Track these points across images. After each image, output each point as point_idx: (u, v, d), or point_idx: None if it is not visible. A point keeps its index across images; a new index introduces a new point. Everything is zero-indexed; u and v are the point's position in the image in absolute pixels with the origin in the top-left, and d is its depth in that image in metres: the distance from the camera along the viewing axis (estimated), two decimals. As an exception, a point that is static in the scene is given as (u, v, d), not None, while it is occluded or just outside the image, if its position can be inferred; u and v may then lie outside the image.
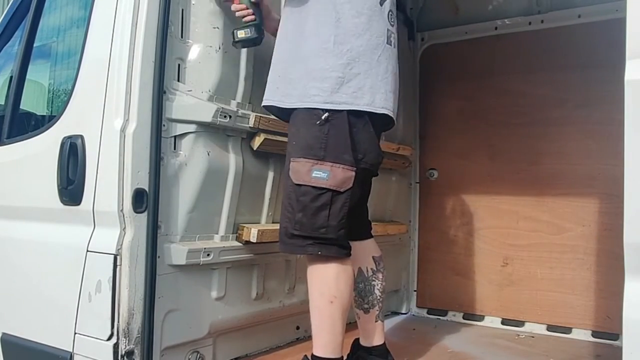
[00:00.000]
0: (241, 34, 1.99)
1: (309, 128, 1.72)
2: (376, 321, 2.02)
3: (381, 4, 1.81)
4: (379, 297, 2.02)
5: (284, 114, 1.83)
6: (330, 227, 1.71)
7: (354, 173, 1.73)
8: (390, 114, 1.83)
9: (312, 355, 1.77)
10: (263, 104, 1.86)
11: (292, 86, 1.75)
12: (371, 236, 2.09)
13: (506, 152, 3.02)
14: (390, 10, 1.86)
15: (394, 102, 1.85)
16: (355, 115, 1.74)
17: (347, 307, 1.77)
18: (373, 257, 2.04)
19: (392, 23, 1.86)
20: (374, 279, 2.02)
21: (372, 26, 1.77)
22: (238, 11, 1.98)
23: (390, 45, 1.84)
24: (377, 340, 2.02)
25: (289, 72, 1.76)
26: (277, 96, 1.79)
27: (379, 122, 1.82)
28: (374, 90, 1.75)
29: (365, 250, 2.01)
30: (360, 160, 1.76)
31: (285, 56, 1.78)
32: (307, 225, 1.71)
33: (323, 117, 1.70)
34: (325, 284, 1.74)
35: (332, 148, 1.70)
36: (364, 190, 1.95)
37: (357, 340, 2.06)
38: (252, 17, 1.98)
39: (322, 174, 1.69)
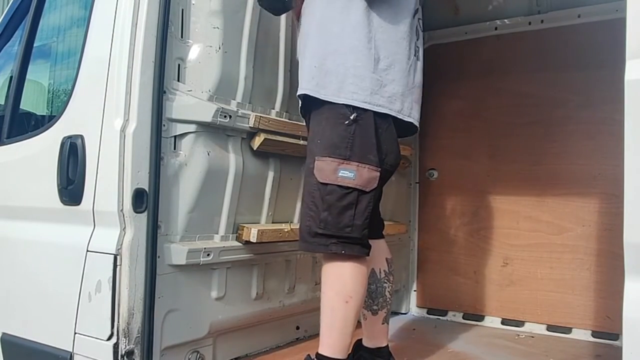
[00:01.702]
0: None
1: (335, 127, 1.72)
2: (383, 323, 2.01)
3: (413, 17, 1.84)
4: (388, 300, 2.01)
5: (312, 106, 1.81)
6: (355, 226, 1.72)
7: (379, 173, 1.75)
8: (416, 122, 1.87)
9: (318, 354, 1.76)
10: (298, 92, 1.81)
11: (328, 79, 1.73)
12: (383, 236, 2.09)
13: (506, 152, 3.02)
14: (417, 24, 1.88)
15: (418, 112, 1.88)
16: (380, 117, 1.76)
17: (360, 307, 1.78)
18: (386, 259, 2.03)
19: (418, 37, 1.89)
20: (385, 280, 2.01)
21: (407, 37, 1.80)
22: None
23: (417, 58, 1.87)
24: (382, 342, 2.01)
25: (327, 65, 1.73)
26: (311, 85, 1.76)
27: (400, 127, 1.85)
28: (404, 98, 1.79)
29: (379, 250, 2.00)
30: (383, 161, 1.78)
31: (323, 49, 1.75)
32: (332, 224, 1.71)
33: (352, 117, 1.70)
34: (342, 283, 1.74)
35: (358, 148, 1.71)
36: (382, 190, 1.96)
37: (359, 341, 2.06)
38: None
39: (349, 174, 1.70)
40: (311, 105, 1.80)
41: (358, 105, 1.71)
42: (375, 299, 1.99)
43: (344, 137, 1.71)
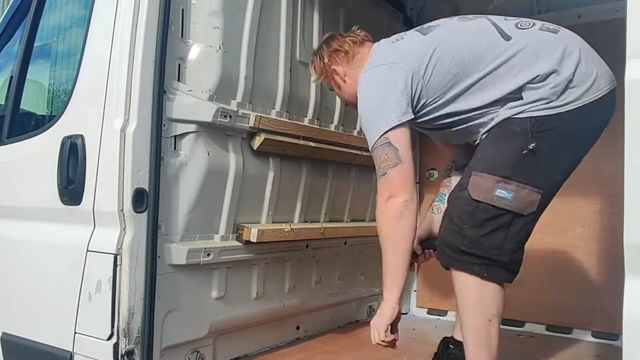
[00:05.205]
0: None
1: (510, 148, 1.63)
2: None
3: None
4: None
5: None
6: (504, 249, 1.62)
7: (540, 196, 1.63)
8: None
9: None
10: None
11: None
12: None
13: (506, 152, 3.01)
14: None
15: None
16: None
17: (500, 321, 1.70)
18: None
19: None
20: None
21: None
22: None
23: None
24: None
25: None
26: None
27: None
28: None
29: None
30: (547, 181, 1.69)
31: None
32: (478, 244, 1.61)
33: (530, 147, 1.60)
34: (484, 303, 1.66)
35: (522, 168, 1.60)
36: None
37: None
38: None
39: (507, 194, 1.60)
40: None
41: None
42: None
43: (514, 156, 1.60)
